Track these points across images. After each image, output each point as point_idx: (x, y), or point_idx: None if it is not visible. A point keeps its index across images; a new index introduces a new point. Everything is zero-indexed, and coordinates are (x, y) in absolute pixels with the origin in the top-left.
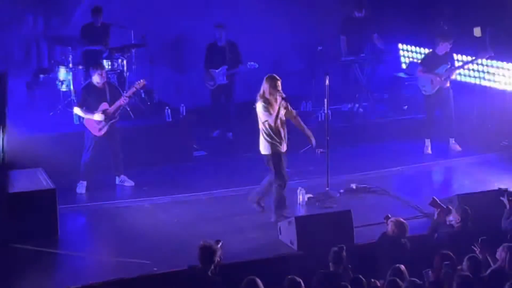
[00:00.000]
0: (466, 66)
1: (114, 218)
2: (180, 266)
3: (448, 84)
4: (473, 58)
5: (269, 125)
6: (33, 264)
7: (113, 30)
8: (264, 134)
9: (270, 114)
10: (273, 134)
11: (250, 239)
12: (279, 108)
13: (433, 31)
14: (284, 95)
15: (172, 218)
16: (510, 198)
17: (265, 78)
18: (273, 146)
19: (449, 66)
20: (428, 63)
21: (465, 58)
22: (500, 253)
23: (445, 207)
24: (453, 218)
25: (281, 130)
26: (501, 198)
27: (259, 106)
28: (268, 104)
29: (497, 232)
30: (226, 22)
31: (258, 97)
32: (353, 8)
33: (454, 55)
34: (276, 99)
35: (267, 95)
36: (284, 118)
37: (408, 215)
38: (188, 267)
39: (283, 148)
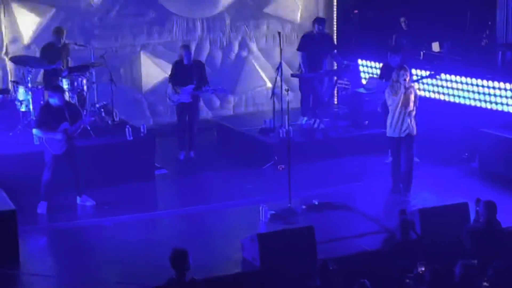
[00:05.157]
0: (422, 81)
1: (75, 238)
2: (145, 286)
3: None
4: (432, 72)
5: None
6: None
7: (73, 49)
8: (415, 117)
9: None
10: None
11: (213, 256)
12: None
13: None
14: None
15: (135, 237)
16: (477, 209)
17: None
18: None
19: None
20: (384, 75)
21: (424, 73)
22: (457, 269)
23: (407, 219)
24: (396, 229)
25: None
26: (476, 208)
27: (416, 89)
28: None
29: (457, 246)
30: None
31: (410, 84)
32: (314, 24)
33: (414, 70)
34: None
35: None
36: None
37: (370, 230)
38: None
39: None
